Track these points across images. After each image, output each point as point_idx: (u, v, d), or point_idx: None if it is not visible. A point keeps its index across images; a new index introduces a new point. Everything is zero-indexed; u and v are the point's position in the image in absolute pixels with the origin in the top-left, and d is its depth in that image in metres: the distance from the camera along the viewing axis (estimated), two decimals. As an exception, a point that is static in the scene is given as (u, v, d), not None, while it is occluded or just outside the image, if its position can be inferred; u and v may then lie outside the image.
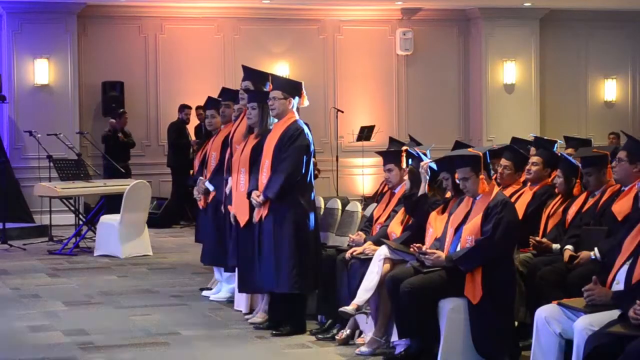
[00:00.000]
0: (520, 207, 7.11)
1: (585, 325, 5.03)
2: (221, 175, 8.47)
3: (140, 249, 11.84)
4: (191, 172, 11.13)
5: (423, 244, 6.59)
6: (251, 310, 8.11)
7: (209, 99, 9.37)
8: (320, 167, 14.67)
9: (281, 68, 16.15)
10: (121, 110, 15.23)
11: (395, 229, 7.12)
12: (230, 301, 8.61)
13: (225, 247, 8.35)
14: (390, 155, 7.64)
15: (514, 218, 6.33)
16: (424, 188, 6.95)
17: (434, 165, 7.12)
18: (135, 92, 15.92)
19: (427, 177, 6.95)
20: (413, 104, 17.14)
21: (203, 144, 9.60)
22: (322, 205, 8.69)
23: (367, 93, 16.96)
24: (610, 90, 18.00)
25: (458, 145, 8.55)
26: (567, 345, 5.30)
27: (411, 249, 6.44)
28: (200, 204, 9.08)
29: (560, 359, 5.37)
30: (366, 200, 13.45)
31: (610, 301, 5.10)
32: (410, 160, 7.35)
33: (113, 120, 14.90)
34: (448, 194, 6.93)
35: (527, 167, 7.52)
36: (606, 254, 5.95)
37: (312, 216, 7.49)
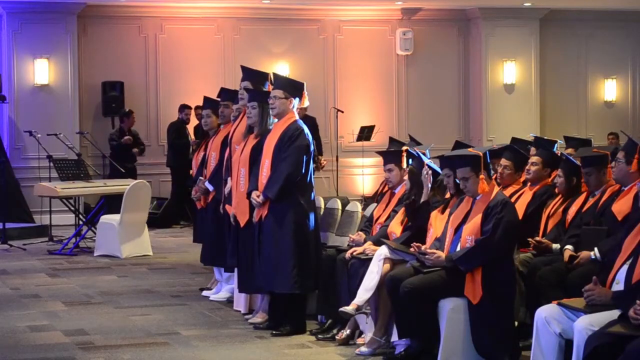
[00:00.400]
0: (520, 207, 7.11)
1: (585, 325, 5.03)
2: (221, 175, 8.47)
3: (140, 249, 11.84)
4: (190, 172, 11.13)
5: (423, 244, 6.59)
6: (250, 311, 8.11)
7: (205, 98, 9.40)
8: (323, 167, 14.71)
9: (281, 68, 16.14)
10: (128, 109, 15.24)
11: (395, 229, 7.12)
12: (230, 301, 8.61)
13: (224, 247, 8.35)
14: (391, 155, 7.64)
15: (514, 218, 6.33)
16: (426, 194, 6.94)
17: (434, 165, 7.12)
18: (135, 92, 15.92)
19: (430, 185, 6.94)
20: (413, 104, 17.14)
21: (200, 144, 9.62)
22: (322, 205, 8.69)
23: (367, 93, 16.96)
24: (610, 90, 18.00)
25: (458, 145, 8.55)
26: (567, 345, 5.30)
27: (411, 249, 6.44)
28: (199, 204, 9.09)
29: (560, 359, 5.37)
30: (366, 200, 13.45)
31: (610, 301, 5.10)
32: (410, 160, 7.35)
33: (129, 138, 14.90)
34: (447, 195, 6.93)
35: (527, 167, 7.53)
36: (606, 254, 5.96)
37: (312, 216, 7.49)
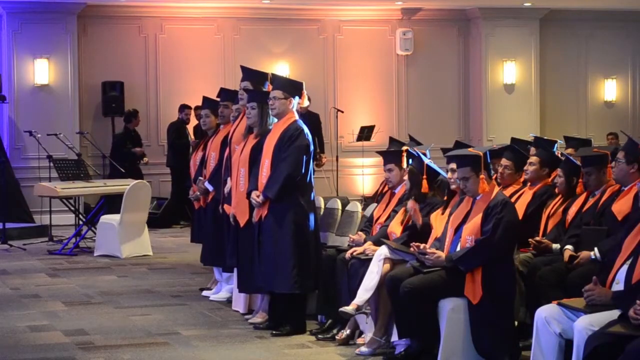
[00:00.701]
0: (520, 207, 7.11)
1: (585, 325, 5.03)
2: (220, 175, 8.47)
3: (140, 249, 11.84)
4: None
5: (423, 243, 6.58)
6: (250, 311, 8.11)
7: (204, 98, 9.41)
8: (322, 166, 14.69)
9: (281, 68, 16.15)
10: (133, 109, 15.24)
11: (395, 229, 7.12)
12: (230, 301, 8.60)
13: (224, 247, 8.35)
14: (391, 155, 7.64)
15: (514, 218, 6.33)
16: (420, 220, 6.90)
17: (434, 165, 7.13)
18: (135, 92, 15.92)
19: (419, 218, 6.92)
20: (413, 104, 17.14)
21: (198, 144, 9.62)
22: (322, 205, 8.69)
23: (367, 93, 16.96)
24: (610, 90, 18.00)
25: (458, 145, 8.55)
26: (567, 345, 5.30)
27: (411, 249, 6.44)
28: (198, 203, 9.09)
29: (560, 359, 5.37)
30: (366, 200, 13.45)
31: (610, 301, 5.10)
32: (410, 160, 7.35)
33: (142, 150, 14.96)
34: (445, 197, 6.93)
35: (525, 167, 7.53)
36: (606, 254, 5.96)
37: (312, 216, 7.49)
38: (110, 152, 14.92)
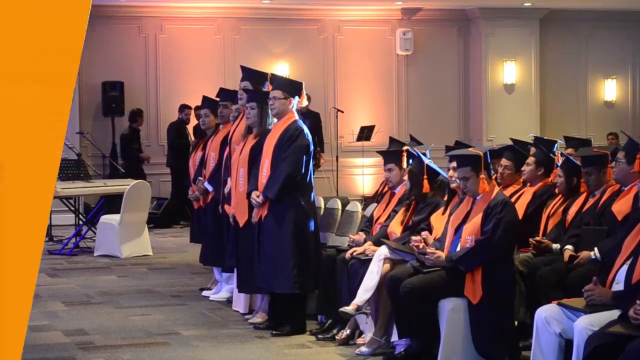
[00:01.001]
0: (520, 207, 7.11)
1: (585, 325, 5.03)
2: (220, 176, 8.47)
3: (140, 249, 11.84)
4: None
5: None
6: (250, 311, 8.11)
7: (204, 98, 9.41)
8: (321, 167, 14.68)
9: (281, 68, 16.15)
10: (137, 108, 15.24)
11: (395, 229, 7.12)
12: (230, 301, 8.60)
13: (224, 247, 8.35)
14: (391, 155, 7.64)
15: (514, 218, 6.33)
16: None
17: (434, 165, 7.13)
18: (135, 92, 15.92)
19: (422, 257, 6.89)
20: (413, 104, 17.14)
21: (197, 144, 9.62)
22: (322, 205, 8.69)
23: (367, 93, 16.96)
24: (610, 90, 18.00)
25: (458, 145, 8.54)
26: (567, 345, 5.30)
27: (412, 244, 6.44)
28: (197, 203, 9.09)
29: (560, 359, 5.37)
30: (366, 200, 13.45)
31: (610, 301, 5.10)
32: (410, 160, 7.35)
33: (145, 154, 14.99)
34: (446, 197, 6.93)
35: (523, 167, 7.54)
36: (606, 254, 5.95)
37: (312, 216, 7.48)
38: (111, 152, 14.92)
